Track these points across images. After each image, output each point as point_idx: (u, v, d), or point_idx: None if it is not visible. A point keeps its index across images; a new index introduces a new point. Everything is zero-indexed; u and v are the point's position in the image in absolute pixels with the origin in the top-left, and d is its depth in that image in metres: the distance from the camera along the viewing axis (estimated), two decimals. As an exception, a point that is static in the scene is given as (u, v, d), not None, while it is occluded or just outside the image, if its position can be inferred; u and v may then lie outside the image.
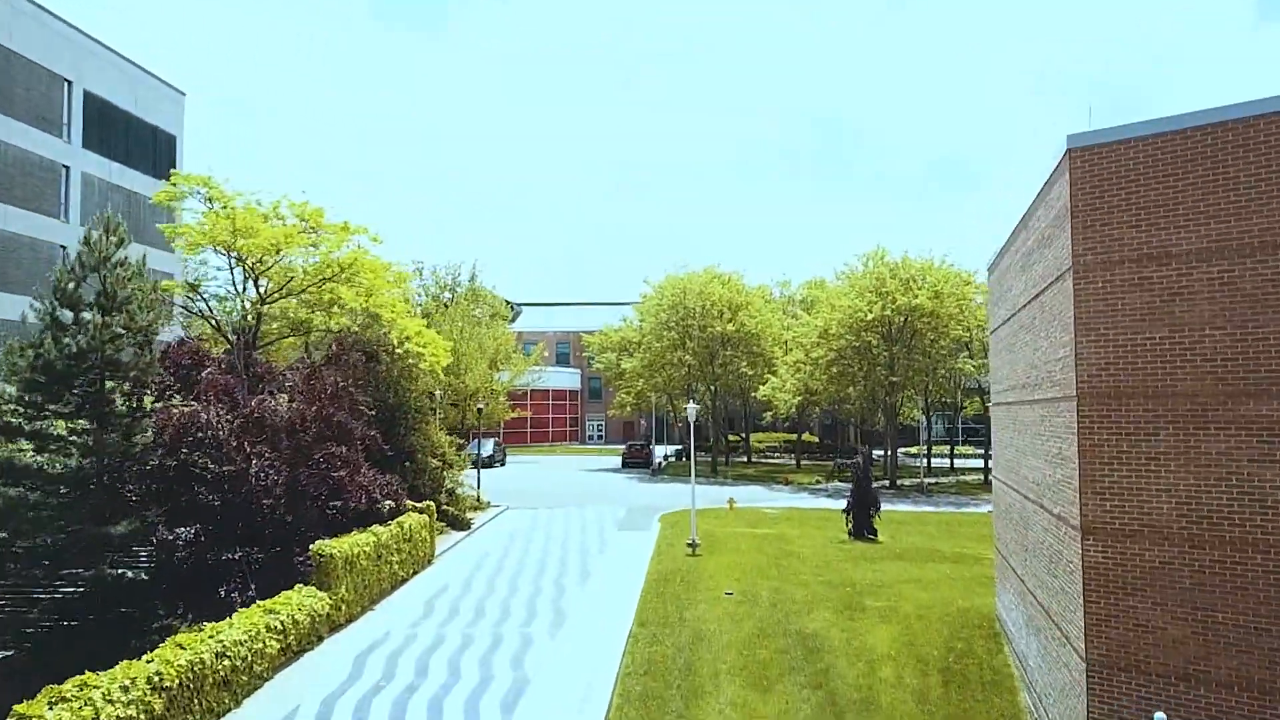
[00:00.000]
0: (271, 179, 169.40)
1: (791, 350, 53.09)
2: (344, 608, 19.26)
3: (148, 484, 19.78)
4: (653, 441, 61.84)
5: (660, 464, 59.60)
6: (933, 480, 50.90)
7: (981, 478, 51.78)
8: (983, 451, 56.25)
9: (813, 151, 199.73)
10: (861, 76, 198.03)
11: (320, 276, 27.18)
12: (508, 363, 67.26)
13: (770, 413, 64.01)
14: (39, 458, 18.23)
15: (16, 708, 10.91)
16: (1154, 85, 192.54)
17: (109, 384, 19.58)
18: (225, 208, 25.91)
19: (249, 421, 20.19)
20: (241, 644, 14.94)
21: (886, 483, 46.52)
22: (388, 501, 22.81)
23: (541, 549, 27.83)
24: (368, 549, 20.62)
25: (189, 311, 27.87)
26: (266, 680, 15.66)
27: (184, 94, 49.12)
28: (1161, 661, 10.10)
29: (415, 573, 24.11)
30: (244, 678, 14.90)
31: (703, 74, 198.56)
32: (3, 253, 35.96)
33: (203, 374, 21.42)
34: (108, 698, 11.57)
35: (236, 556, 20.11)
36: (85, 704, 11.23)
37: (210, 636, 14.52)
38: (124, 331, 19.86)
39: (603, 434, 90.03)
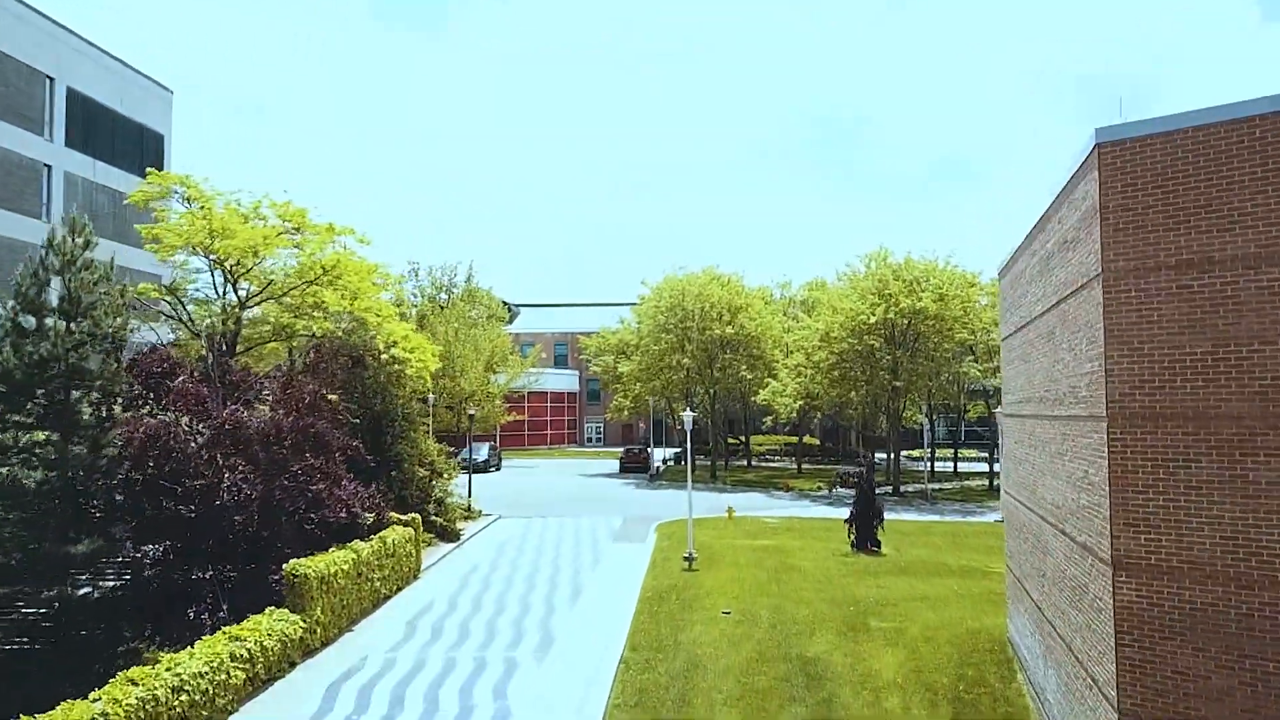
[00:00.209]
0: (270, 179, 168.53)
1: (792, 353, 52.06)
2: (319, 630, 18.24)
3: (114, 499, 18.77)
4: (651, 445, 60.74)
5: (659, 468, 58.57)
6: (936, 486, 49.86)
7: (986, 483, 50.76)
8: (987, 455, 55.22)
9: (813, 151, 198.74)
10: (862, 76, 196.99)
11: (303, 279, 26.15)
12: (504, 364, 66.29)
13: (771, 417, 62.97)
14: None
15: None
16: (1153, 85, 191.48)
17: (75, 393, 18.60)
18: (203, 208, 24.90)
19: (220, 433, 19.16)
20: (202, 676, 13.92)
21: (889, 489, 45.47)
22: (369, 515, 21.77)
23: (532, 562, 26.81)
24: (346, 567, 19.60)
25: (166, 316, 26.82)
26: (230, 714, 14.64)
27: (171, 92, 48.11)
28: (1204, 715, 9.07)
29: (399, 589, 23.09)
30: (204, 713, 13.87)
31: (703, 74, 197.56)
32: (-19, 254, 34.94)
33: (175, 382, 20.39)
34: (42, 745, 10.56)
35: (207, 575, 19.12)
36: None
37: (167, 669, 13.51)
38: (90, 338, 18.89)
39: (602, 436, 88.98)
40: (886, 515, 29.95)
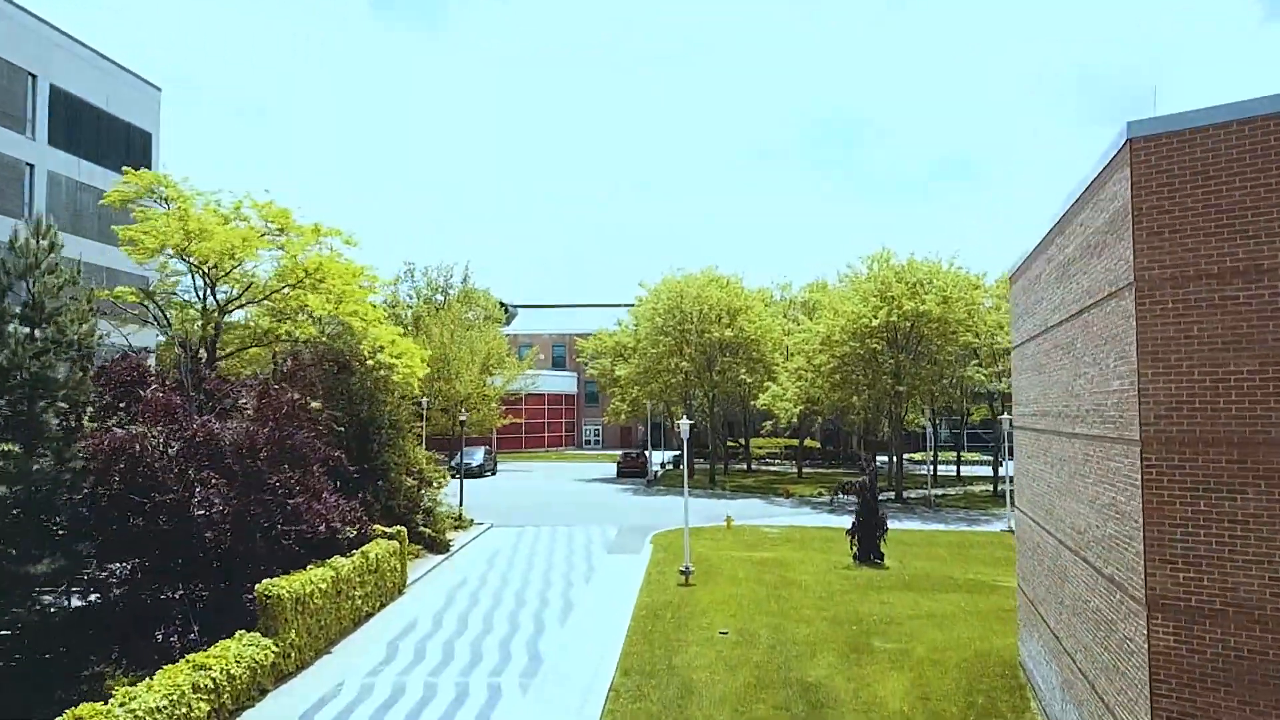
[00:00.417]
0: (270, 181, 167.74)
1: (793, 356, 51.09)
2: (294, 654, 17.29)
3: (79, 514, 17.83)
4: (649, 449, 59.77)
5: (657, 473, 57.64)
6: (940, 492, 48.90)
7: (990, 489, 49.81)
8: (991, 459, 54.25)
9: (813, 151, 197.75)
10: (862, 76, 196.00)
11: (284, 282, 25.20)
12: (501, 367, 65.28)
13: (771, 422, 61.98)
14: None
15: None
16: (1153, 85, 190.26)
17: (39, 404, 17.67)
18: (181, 209, 23.95)
19: (191, 444, 18.22)
20: (160, 711, 12.98)
21: (892, 494, 44.50)
22: (350, 529, 20.80)
23: (523, 576, 25.85)
24: (324, 585, 18.65)
25: (145, 321, 25.87)
26: (192, 749, 13.69)
27: (160, 89, 47.16)
28: (1252, 776, 8.14)
29: (382, 605, 22.14)
30: (162, 750, 12.93)
31: (703, 74, 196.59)
32: (-41, 255, 33.98)
33: (146, 392, 19.44)
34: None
35: (177, 595, 18.20)
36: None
37: (121, 704, 12.57)
38: (55, 345, 17.96)
39: (600, 439, 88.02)
40: (889, 524, 28.98)
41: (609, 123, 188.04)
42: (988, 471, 56.60)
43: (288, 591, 17.19)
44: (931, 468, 53.27)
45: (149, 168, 36.54)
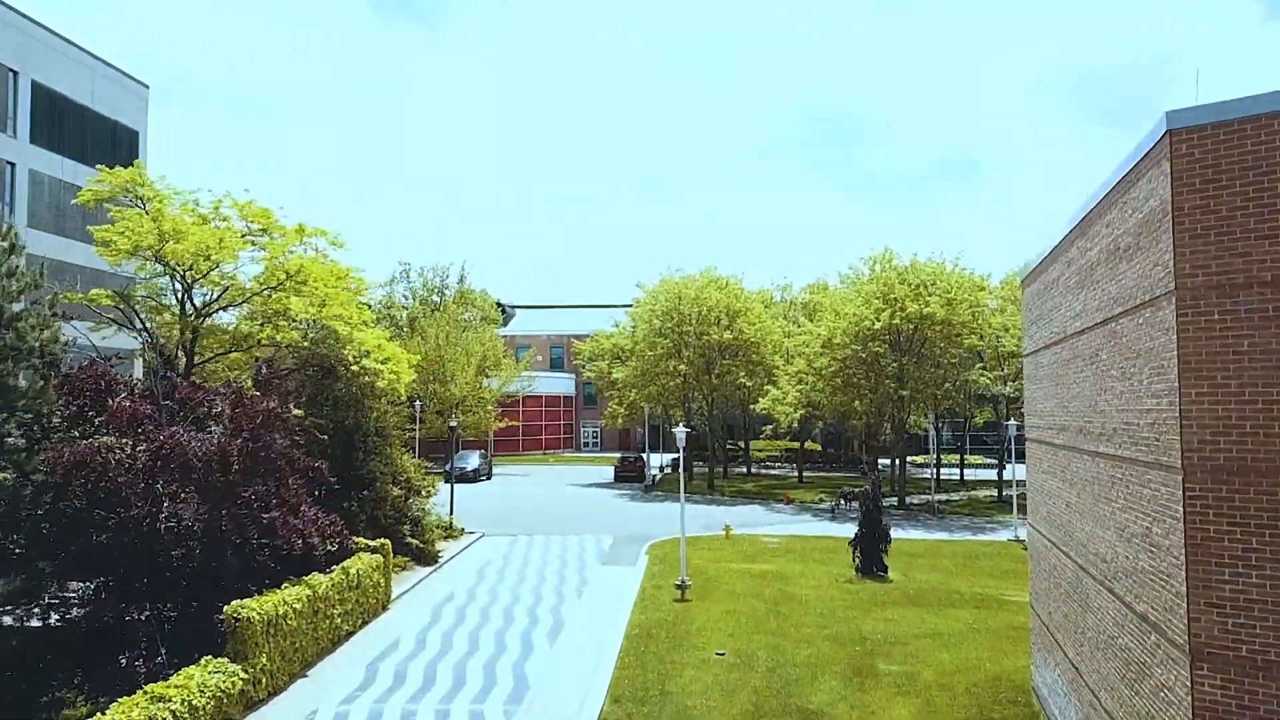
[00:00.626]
0: (270, 181, 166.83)
1: (793, 359, 50.09)
2: (265, 680, 16.32)
3: (40, 530, 16.90)
4: (647, 452, 58.79)
5: (655, 477, 56.67)
6: (944, 498, 47.92)
7: (995, 494, 48.84)
8: (995, 462, 53.27)
9: (813, 151, 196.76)
10: (862, 76, 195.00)
11: (265, 285, 24.24)
12: (497, 368, 64.24)
13: (771, 426, 60.96)
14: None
15: None
16: (1154, 85, 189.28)
17: (-1, 414, 16.74)
18: (155, 208, 23.00)
19: (158, 456, 17.26)
20: (111, 749, 12.03)
21: (895, 500, 43.52)
22: (329, 544, 19.82)
23: (513, 590, 24.87)
24: (298, 606, 17.69)
25: (120, 326, 24.90)
26: (147, 790, 12.74)
27: (148, 87, 46.19)
28: None
29: (364, 623, 21.19)
30: (112, 793, 11.99)
31: (703, 74, 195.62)
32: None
33: (113, 400, 18.48)
34: None
35: (143, 615, 17.23)
36: None
37: (68, 744, 11.61)
38: (14, 352, 17.03)
39: (598, 441, 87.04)
40: (893, 533, 27.99)
41: (608, 122, 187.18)
42: (992, 475, 55.58)
43: (258, 613, 16.24)
44: (935, 472, 52.32)
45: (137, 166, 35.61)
